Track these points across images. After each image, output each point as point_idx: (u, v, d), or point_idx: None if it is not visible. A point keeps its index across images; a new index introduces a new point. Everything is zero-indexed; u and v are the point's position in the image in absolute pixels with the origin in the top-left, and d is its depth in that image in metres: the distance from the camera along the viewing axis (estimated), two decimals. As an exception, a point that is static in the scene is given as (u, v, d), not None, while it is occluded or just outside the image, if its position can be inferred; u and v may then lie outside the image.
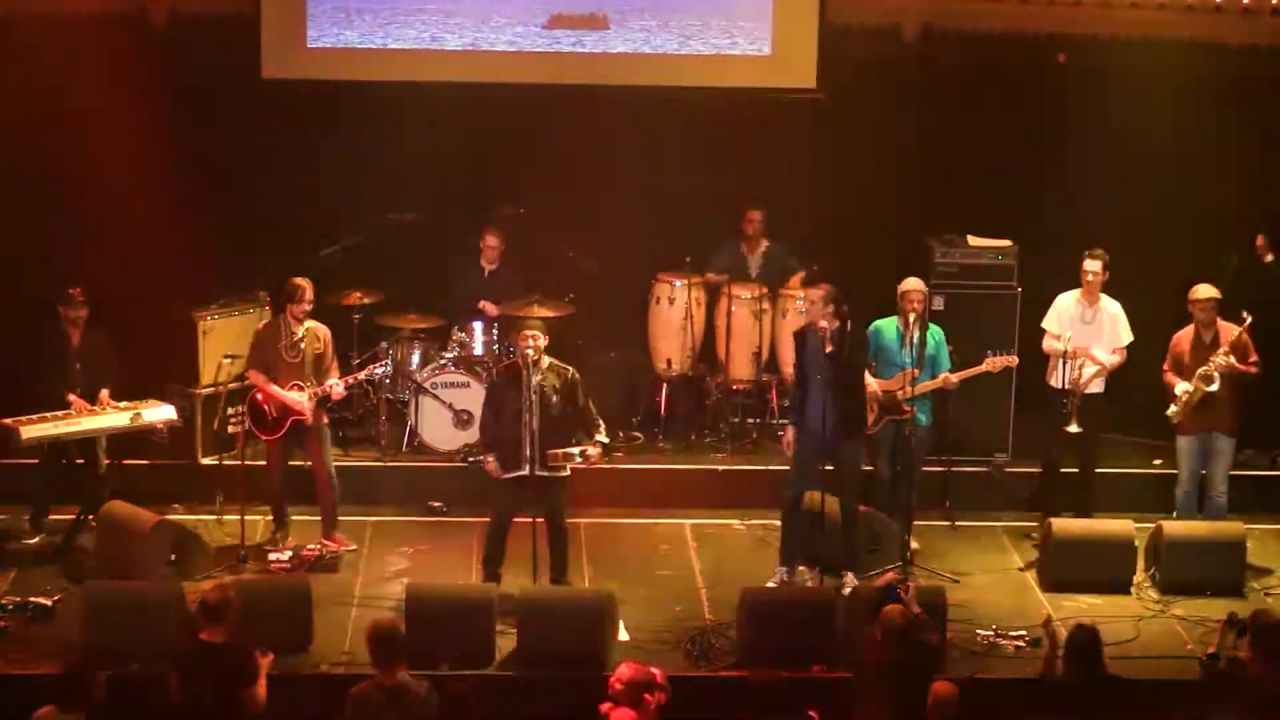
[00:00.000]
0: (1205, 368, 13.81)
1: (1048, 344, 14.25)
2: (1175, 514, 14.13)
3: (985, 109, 16.07)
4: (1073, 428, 13.91)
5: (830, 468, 13.14)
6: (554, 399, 12.90)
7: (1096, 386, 14.17)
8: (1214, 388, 13.77)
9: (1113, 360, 14.16)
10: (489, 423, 13.12)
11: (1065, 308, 14.26)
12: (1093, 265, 14.11)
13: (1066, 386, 13.96)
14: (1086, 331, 14.16)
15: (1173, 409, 13.97)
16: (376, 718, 10.31)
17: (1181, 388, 13.92)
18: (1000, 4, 16.16)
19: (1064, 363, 13.99)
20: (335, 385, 13.75)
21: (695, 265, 15.72)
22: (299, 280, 13.72)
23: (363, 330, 15.35)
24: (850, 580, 13.18)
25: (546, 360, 12.98)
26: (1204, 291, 13.95)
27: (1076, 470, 14.31)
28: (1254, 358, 13.87)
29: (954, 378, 13.78)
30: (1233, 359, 13.77)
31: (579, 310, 15.52)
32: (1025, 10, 16.13)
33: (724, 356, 15.70)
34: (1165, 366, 14.14)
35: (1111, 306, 14.23)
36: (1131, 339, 14.20)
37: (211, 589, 11.02)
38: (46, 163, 15.44)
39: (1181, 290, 14.23)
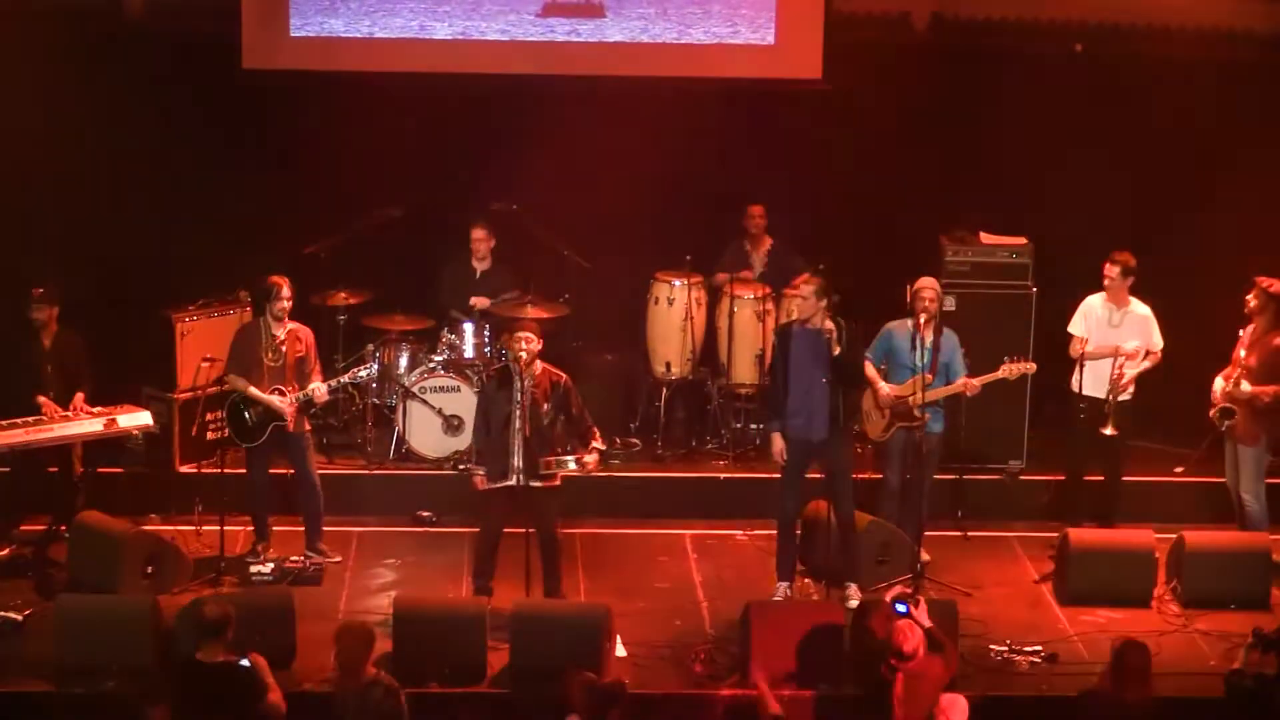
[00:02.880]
0: (1231, 389, 13.74)
1: (1075, 348, 14.09)
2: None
3: (999, 100, 15.94)
4: (1108, 430, 13.76)
5: (822, 475, 13.09)
6: (545, 405, 12.78)
7: (1126, 393, 14.00)
8: (1231, 419, 13.75)
9: (1144, 365, 13.98)
10: (481, 431, 13.03)
11: (1092, 310, 14.13)
12: (1110, 270, 13.98)
13: (1106, 388, 13.78)
14: (1113, 335, 13.99)
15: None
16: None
17: (1217, 385, 13.83)
18: (1014, -10, 16.26)
19: (1080, 367, 13.86)
20: (318, 388, 13.58)
21: (695, 264, 15.61)
22: (275, 278, 13.60)
23: (348, 332, 15.28)
24: (853, 592, 13.07)
25: (539, 365, 12.85)
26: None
27: (1102, 478, 14.16)
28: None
29: (977, 382, 13.54)
30: (1244, 386, 13.63)
31: (574, 311, 15.39)
32: (1040, -3, 16.20)
33: (725, 359, 15.53)
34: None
35: (1141, 309, 14.07)
36: (1162, 344, 14.04)
37: (209, 605, 11.03)
38: (17, 158, 15.28)
39: (1206, 289, 14.24)
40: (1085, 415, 13.78)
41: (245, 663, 10.78)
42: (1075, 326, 14.08)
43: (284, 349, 13.52)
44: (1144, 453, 15.14)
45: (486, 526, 12.89)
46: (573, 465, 12.76)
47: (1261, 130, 15.64)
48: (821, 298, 12.84)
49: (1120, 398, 13.85)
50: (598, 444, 12.91)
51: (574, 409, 12.88)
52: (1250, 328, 13.76)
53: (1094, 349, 13.85)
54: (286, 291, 13.47)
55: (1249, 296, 13.73)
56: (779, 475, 13.34)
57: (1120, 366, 13.75)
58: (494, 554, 12.87)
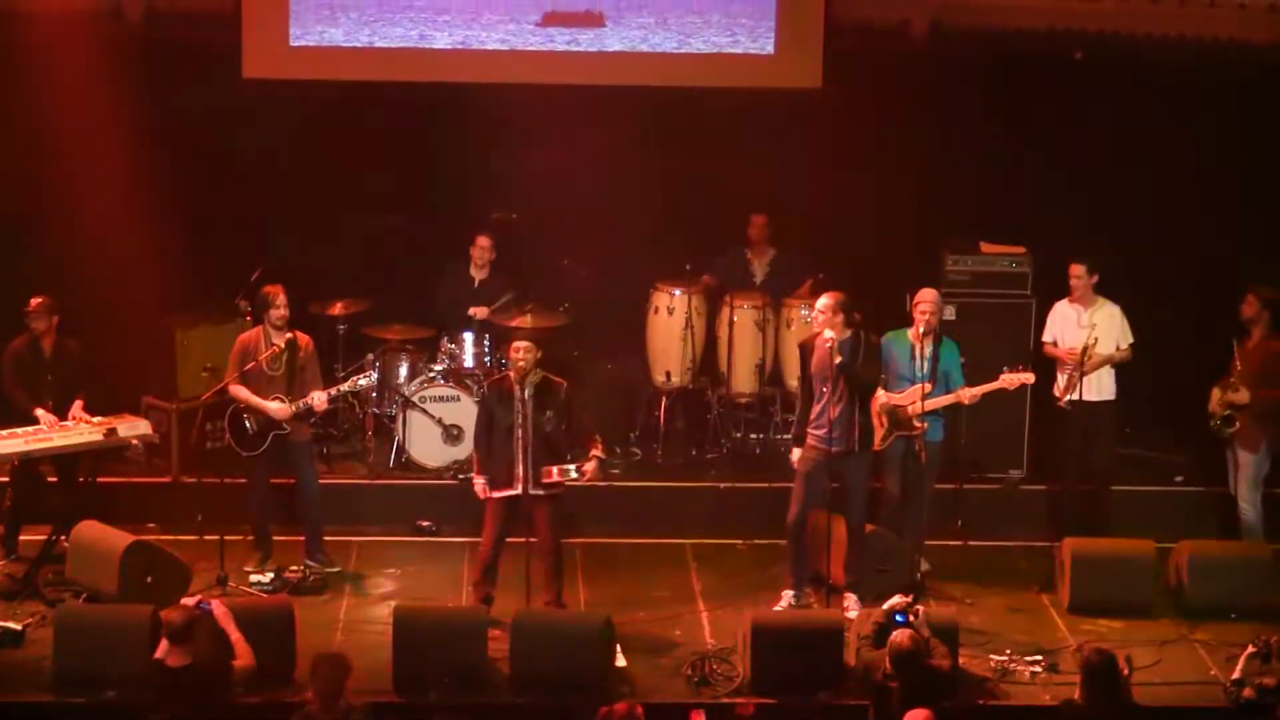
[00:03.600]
0: (1230, 395, 13.79)
1: (1048, 351, 14.22)
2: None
3: (998, 109, 15.96)
4: (1072, 396, 13.70)
5: (836, 485, 13.02)
6: (546, 414, 12.75)
7: (1108, 393, 14.02)
8: (1232, 426, 13.79)
9: (1117, 357, 14.01)
10: (482, 440, 12.97)
11: (1061, 314, 14.22)
12: (1076, 269, 14.07)
13: (1097, 390, 13.87)
14: (1081, 336, 13.97)
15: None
16: None
17: (1215, 395, 13.84)
18: (1014, -1, 16.20)
19: (1081, 375, 13.86)
20: (317, 397, 13.54)
21: (695, 274, 15.56)
22: (269, 287, 13.58)
23: (348, 341, 15.21)
24: (853, 603, 13.02)
25: (539, 373, 12.82)
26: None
27: (1093, 487, 14.17)
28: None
29: (974, 392, 13.48)
30: (1239, 394, 13.69)
31: (574, 320, 15.31)
32: (1040, 5, 15.97)
33: (725, 369, 15.47)
34: None
35: (1109, 307, 14.10)
36: (1132, 340, 14.06)
37: (173, 610, 11.05)
38: (16, 165, 15.29)
39: (1202, 295, 14.29)
40: (1076, 417, 13.82)
41: (206, 606, 10.97)
42: (1046, 334, 14.20)
43: (284, 358, 13.46)
44: (1143, 462, 15.16)
45: (489, 535, 12.84)
46: (573, 474, 12.70)
47: (1260, 139, 15.62)
48: (838, 312, 12.81)
49: (1101, 399, 13.90)
50: (598, 452, 12.87)
51: (574, 415, 12.86)
52: (1249, 338, 13.79)
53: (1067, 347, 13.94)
54: (282, 299, 13.42)
55: (1244, 305, 13.76)
56: (791, 484, 13.24)
57: (1093, 335, 13.73)
58: (495, 564, 12.84)
